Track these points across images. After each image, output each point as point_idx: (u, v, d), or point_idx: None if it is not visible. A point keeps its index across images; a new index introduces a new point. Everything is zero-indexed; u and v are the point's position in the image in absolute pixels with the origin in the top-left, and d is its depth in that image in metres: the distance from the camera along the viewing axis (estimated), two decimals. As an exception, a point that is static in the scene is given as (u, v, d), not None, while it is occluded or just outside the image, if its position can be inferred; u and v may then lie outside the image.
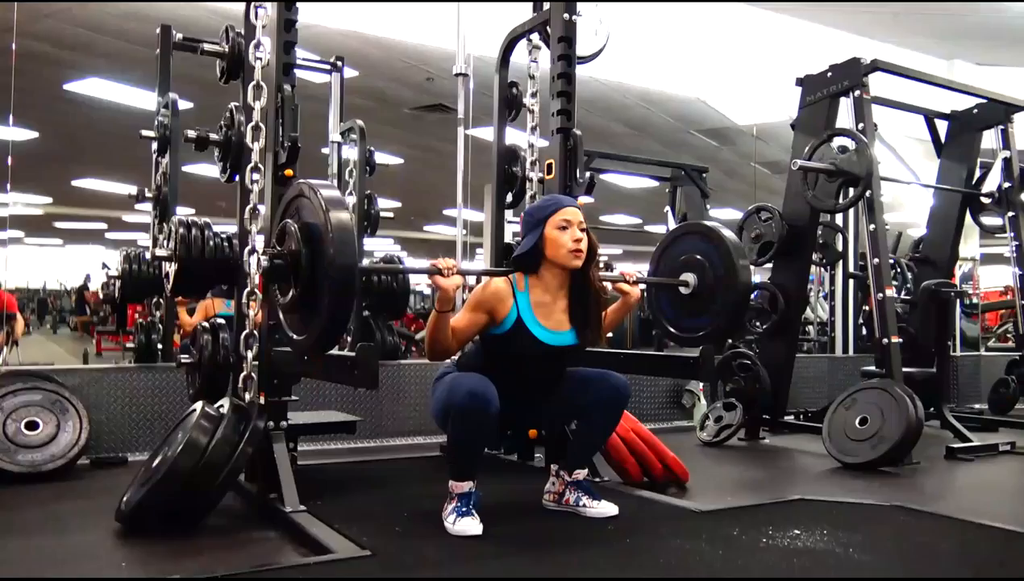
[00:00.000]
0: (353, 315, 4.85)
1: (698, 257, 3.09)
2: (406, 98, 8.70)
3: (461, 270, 2.53)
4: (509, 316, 2.61)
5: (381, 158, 9.32)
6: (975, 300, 8.84)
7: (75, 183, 13.42)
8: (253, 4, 3.15)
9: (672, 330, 3.28)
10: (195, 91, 5.85)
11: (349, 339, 4.76)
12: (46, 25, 6.84)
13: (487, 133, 4.37)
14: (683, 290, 3.12)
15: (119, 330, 5.67)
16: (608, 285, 2.82)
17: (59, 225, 18.17)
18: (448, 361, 2.79)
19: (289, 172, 2.98)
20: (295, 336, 2.53)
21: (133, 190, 5.25)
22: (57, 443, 3.47)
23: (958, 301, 7.34)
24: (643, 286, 3.07)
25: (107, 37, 7.14)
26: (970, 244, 8.31)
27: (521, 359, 2.67)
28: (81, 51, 7.50)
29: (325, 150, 5.35)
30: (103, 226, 18.18)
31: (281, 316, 2.62)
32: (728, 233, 3.07)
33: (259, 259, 2.48)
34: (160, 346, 4.62)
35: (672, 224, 7.71)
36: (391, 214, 6.21)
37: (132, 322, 5.10)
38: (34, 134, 9.91)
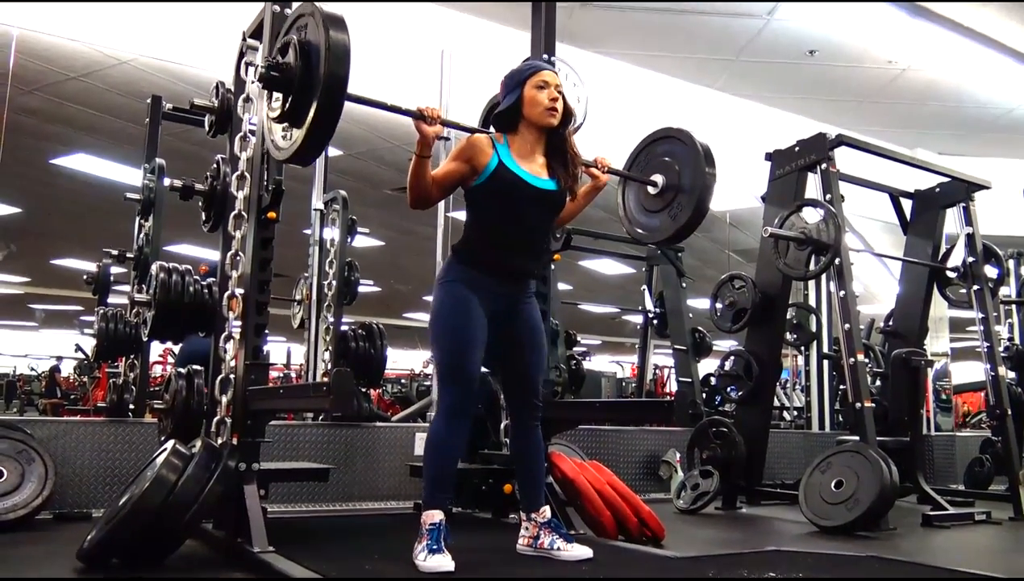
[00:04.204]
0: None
1: (668, 158, 3.12)
2: (388, 178, 8.87)
3: (444, 121, 2.59)
4: (490, 163, 2.65)
5: (362, 241, 9.46)
6: (950, 395, 8.94)
7: (54, 262, 13.39)
8: (244, 60, 3.30)
9: (637, 229, 3.29)
10: (181, 167, 5.99)
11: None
12: (35, 99, 6.99)
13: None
14: (651, 190, 3.13)
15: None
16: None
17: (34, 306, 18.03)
18: (449, 259, 2.78)
19: (272, 214, 3.04)
20: (280, 147, 2.55)
21: (113, 270, 5.32)
22: (20, 492, 3.39)
23: (933, 393, 7.48)
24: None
25: (95, 112, 7.29)
26: (941, 340, 8.47)
27: (508, 206, 2.68)
28: (68, 125, 7.63)
29: (306, 231, 5.40)
30: (79, 308, 18.05)
31: (268, 129, 2.63)
32: (700, 138, 3.09)
33: (257, 67, 2.49)
34: (132, 406, 4.58)
35: (649, 303, 7.82)
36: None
37: (104, 396, 5.06)
38: (17, 209, 9.97)
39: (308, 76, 2.37)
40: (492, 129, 2.81)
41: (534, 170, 2.73)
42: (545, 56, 3.76)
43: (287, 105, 2.45)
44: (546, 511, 2.78)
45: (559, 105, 2.71)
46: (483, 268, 2.70)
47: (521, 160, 2.71)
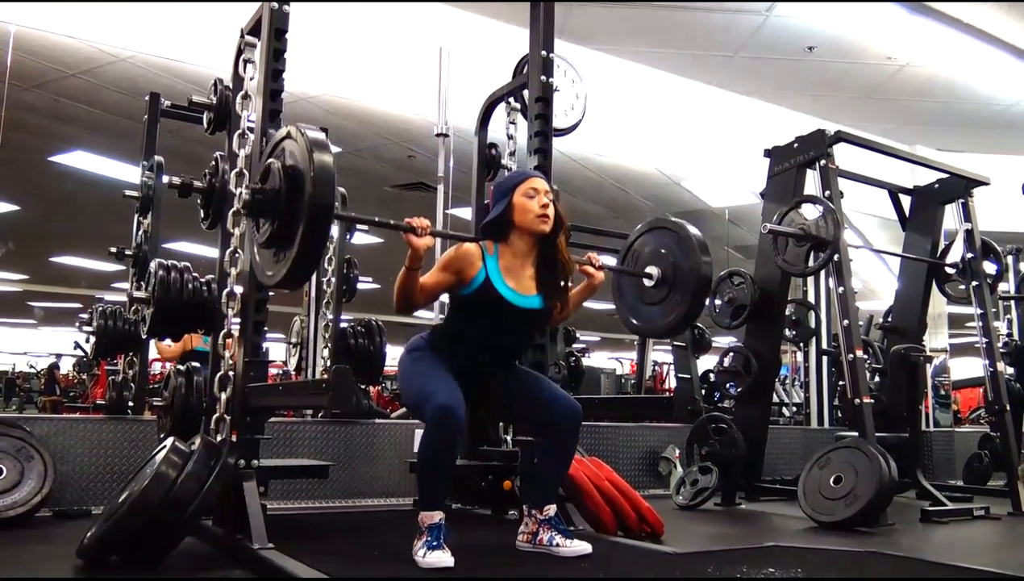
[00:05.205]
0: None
1: (663, 251, 3.13)
2: (388, 175, 8.87)
3: (434, 232, 2.59)
4: (477, 277, 2.65)
5: (361, 238, 9.47)
6: (949, 391, 8.95)
7: (53, 259, 13.38)
8: (242, 58, 3.29)
9: (633, 320, 3.28)
10: (180, 164, 5.98)
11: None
12: (33, 96, 6.97)
13: (466, 213, 4.49)
14: (647, 282, 3.15)
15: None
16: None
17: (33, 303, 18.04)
18: (418, 337, 2.80)
19: (271, 212, 3.03)
20: (268, 273, 2.54)
21: (112, 267, 5.29)
22: (20, 490, 3.39)
23: (932, 389, 7.49)
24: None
25: (93, 109, 7.28)
26: (940, 336, 8.48)
27: (489, 319, 2.69)
28: (66, 122, 7.62)
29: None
30: (78, 306, 18.02)
31: (256, 254, 2.63)
32: (693, 229, 3.11)
33: (241, 193, 2.47)
34: (131, 403, 4.57)
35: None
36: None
37: (103, 393, 5.06)
38: (15, 207, 9.95)
39: (293, 203, 2.36)
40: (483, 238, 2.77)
41: (521, 286, 2.71)
42: (544, 53, 3.76)
43: (273, 230, 2.44)
44: (550, 509, 2.78)
45: (550, 211, 2.69)
46: (453, 361, 2.71)
47: (509, 275, 2.69)
